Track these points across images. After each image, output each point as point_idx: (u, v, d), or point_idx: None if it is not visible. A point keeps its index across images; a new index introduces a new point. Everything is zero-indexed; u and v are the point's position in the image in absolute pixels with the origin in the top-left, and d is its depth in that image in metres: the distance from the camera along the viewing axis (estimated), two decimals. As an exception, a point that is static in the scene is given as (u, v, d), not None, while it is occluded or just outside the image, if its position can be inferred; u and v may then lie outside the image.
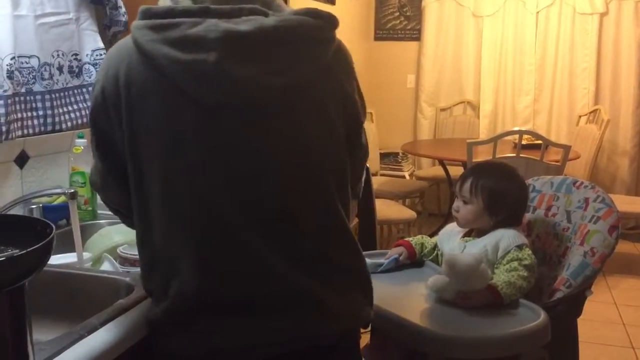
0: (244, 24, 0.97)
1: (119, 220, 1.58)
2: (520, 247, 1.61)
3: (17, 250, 0.80)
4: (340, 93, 1.08)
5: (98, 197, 1.82)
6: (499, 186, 1.69)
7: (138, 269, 1.39)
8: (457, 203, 1.72)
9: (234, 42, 0.96)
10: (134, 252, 1.46)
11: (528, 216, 1.87)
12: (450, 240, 1.76)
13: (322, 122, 1.05)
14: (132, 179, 1.05)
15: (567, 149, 3.40)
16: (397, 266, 1.76)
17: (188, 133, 0.99)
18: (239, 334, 1.02)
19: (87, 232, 1.63)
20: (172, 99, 0.99)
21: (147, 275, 1.10)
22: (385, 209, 3.72)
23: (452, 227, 1.80)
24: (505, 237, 1.63)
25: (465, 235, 1.74)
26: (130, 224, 1.15)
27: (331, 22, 1.05)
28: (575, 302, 1.69)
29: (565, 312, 1.64)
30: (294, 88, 1.01)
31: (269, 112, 1.01)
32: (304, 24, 1.01)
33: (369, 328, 1.54)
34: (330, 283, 1.05)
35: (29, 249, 0.79)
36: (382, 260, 1.74)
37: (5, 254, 0.81)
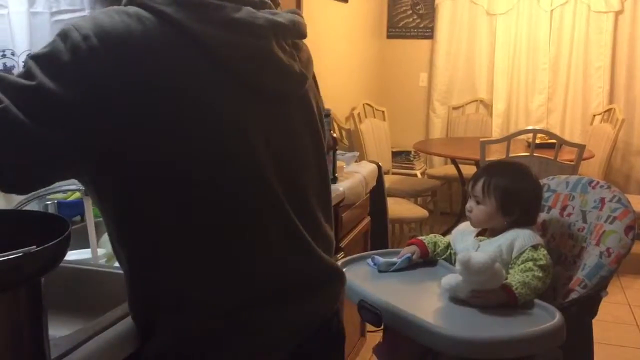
0: (278, 17, 1.00)
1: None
2: (535, 247, 1.59)
3: (33, 246, 0.81)
4: (316, 87, 1.19)
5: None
6: (512, 185, 1.68)
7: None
8: (471, 203, 1.71)
9: (278, 32, 1.00)
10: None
11: (543, 216, 1.85)
12: (464, 239, 1.75)
13: (317, 112, 1.14)
14: (154, 160, 0.89)
15: (581, 148, 3.38)
16: (409, 265, 1.75)
17: (245, 116, 0.96)
18: (286, 321, 1.01)
19: (101, 228, 1.63)
20: (221, 81, 0.93)
21: (173, 284, 0.95)
22: (397, 208, 3.71)
23: (465, 226, 1.79)
24: (520, 237, 1.61)
25: (478, 234, 1.73)
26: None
27: None
28: (590, 303, 1.67)
29: (580, 313, 1.63)
30: (308, 79, 1.09)
31: (301, 101, 1.09)
32: (299, 22, 1.07)
33: (382, 326, 1.54)
34: (331, 255, 1.14)
35: (46, 245, 0.79)
36: (394, 259, 1.74)
37: (22, 249, 0.81)
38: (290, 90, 1.05)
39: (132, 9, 0.91)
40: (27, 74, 0.84)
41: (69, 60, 0.84)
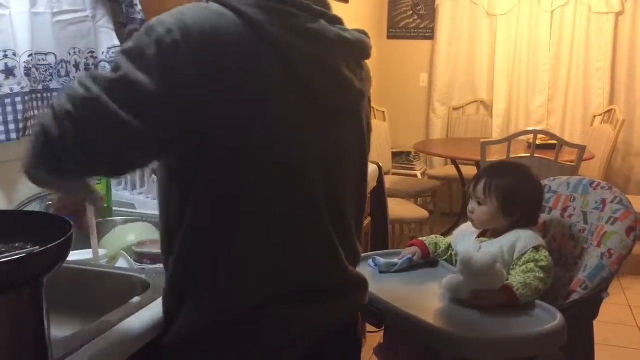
0: (347, 33, 1.05)
1: (133, 218, 1.57)
2: (537, 249, 1.59)
3: (36, 247, 0.81)
4: (369, 108, 1.22)
5: (114, 194, 1.83)
6: (514, 186, 1.68)
7: (154, 266, 1.40)
8: (472, 204, 1.71)
9: (345, 48, 1.05)
10: (149, 249, 1.47)
11: (544, 217, 1.85)
12: (465, 240, 1.75)
13: (366, 132, 1.17)
14: (213, 154, 0.95)
15: (582, 149, 3.38)
16: (410, 266, 1.75)
17: (305, 124, 1.01)
18: (304, 320, 1.05)
19: (102, 229, 1.63)
20: (288, 86, 0.98)
21: (196, 277, 1.01)
22: (398, 208, 3.72)
23: (466, 227, 1.79)
24: (522, 238, 1.61)
25: (480, 235, 1.73)
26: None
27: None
28: (591, 304, 1.67)
29: (581, 314, 1.63)
30: (365, 97, 1.13)
31: (360, 120, 1.13)
32: (366, 43, 1.10)
33: (383, 327, 1.54)
34: (357, 267, 1.18)
35: (48, 246, 0.80)
36: (395, 260, 1.74)
37: (25, 250, 0.82)
38: (348, 106, 1.09)
39: (215, 5, 0.96)
40: (116, 66, 0.91)
41: (153, 53, 0.89)
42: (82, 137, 0.89)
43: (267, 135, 0.96)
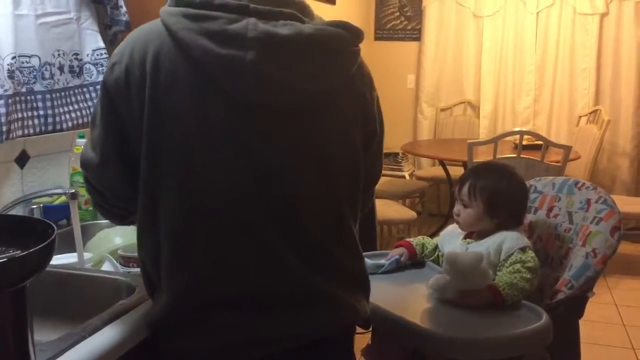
0: (283, 28, 1.00)
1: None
2: (523, 250, 1.60)
3: (18, 251, 0.80)
4: (361, 104, 1.14)
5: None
6: (498, 187, 1.68)
7: (139, 270, 1.39)
8: (458, 207, 1.72)
9: (273, 45, 0.99)
10: (134, 253, 1.46)
11: (530, 217, 1.87)
12: (452, 241, 1.76)
13: (341, 129, 1.10)
14: (145, 165, 1.02)
15: (567, 149, 3.40)
16: (398, 267, 1.75)
17: (217, 126, 1.00)
18: (251, 329, 1.02)
19: (87, 232, 1.62)
20: (203, 91, 0.99)
21: (151, 271, 1.07)
22: (386, 209, 3.72)
23: (453, 228, 1.80)
24: (508, 239, 1.62)
25: (466, 237, 1.74)
26: (111, 213, 1.18)
27: (359, 36, 1.10)
28: (577, 304, 1.69)
29: (567, 313, 1.64)
30: (323, 94, 1.06)
31: (298, 115, 1.05)
32: (337, 36, 1.05)
33: (370, 329, 1.54)
34: (333, 279, 1.08)
35: (31, 250, 0.79)
36: (383, 262, 1.74)
37: (7, 254, 0.81)
38: (283, 104, 1.02)
39: (155, 21, 1.04)
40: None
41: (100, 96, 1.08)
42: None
43: (175, 136, 1.00)
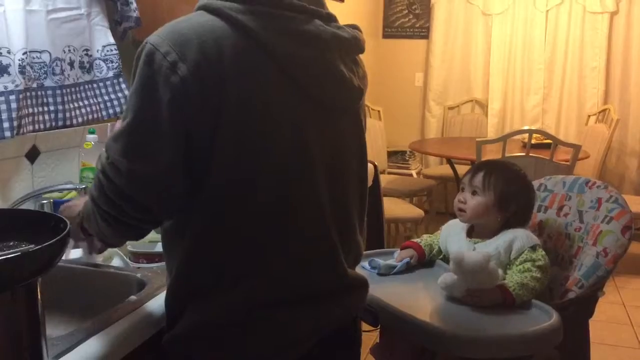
0: (342, 31, 1.04)
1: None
2: (533, 248, 1.59)
3: (32, 246, 0.80)
4: (364, 105, 1.21)
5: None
6: (511, 184, 1.67)
7: (149, 265, 1.40)
8: (465, 195, 1.69)
9: (341, 46, 1.04)
10: (145, 248, 1.46)
11: (539, 216, 1.86)
12: (454, 238, 1.74)
13: (364, 128, 1.17)
14: (218, 161, 0.94)
15: (577, 148, 3.38)
16: (407, 268, 1.74)
17: (310, 134, 1.01)
18: (301, 325, 1.03)
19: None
20: (293, 94, 0.99)
21: (196, 272, 1.00)
22: (393, 207, 3.71)
23: (454, 223, 1.78)
24: (519, 238, 1.61)
25: (469, 234, 1.72)
26: (126, 226, 1.00)
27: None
28: (587, 303, 1.68)
29: (577, 313, 1.63)
30: (364, 93, 1.12)
31: (358, 115, 1.13)
32: (360, 38, 1.10)
33: (378, 326, 1.54)
34: (353, 267, 1.17)
35: (44, 244, 0.79)
36: (394, 263, 1.73)
37: (20, 249, 0.81)
38: (348, 104, 1.09)
39: (207, 15, 0.95)
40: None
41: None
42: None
43: (268, 139, 0.97)
